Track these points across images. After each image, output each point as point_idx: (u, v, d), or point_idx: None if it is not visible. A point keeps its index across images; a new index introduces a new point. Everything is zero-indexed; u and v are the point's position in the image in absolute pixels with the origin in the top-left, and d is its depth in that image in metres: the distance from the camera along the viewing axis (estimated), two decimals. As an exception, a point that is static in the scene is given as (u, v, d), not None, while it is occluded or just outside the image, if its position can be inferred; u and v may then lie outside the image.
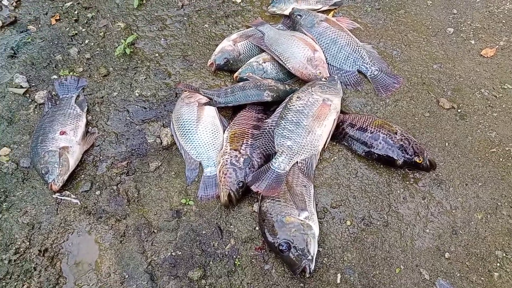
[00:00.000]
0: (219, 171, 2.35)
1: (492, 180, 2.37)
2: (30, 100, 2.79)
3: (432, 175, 2.40)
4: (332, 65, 2.80)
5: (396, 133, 2.39)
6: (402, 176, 2.40)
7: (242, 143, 2.43)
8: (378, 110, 2.64)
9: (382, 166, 2.43)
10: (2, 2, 3.23)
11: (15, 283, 2.19)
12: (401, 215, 2.29)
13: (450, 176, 2.40)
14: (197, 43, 3.02)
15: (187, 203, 2.37)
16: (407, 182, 2.38)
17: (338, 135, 2.51)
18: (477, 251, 2.17)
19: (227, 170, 2.32)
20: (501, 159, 2.43)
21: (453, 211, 2.29)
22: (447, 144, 2.50)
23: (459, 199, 2.33)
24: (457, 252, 2.18)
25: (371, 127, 2.43)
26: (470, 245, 2.19)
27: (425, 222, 2.27)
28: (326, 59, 2.80)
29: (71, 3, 3.24)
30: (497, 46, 2.86)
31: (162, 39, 3.04)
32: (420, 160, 2.32)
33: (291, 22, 3.00)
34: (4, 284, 2.19)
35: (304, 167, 2.36)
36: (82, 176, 2.50)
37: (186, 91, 2.66)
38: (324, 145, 2.43)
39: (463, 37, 2.94)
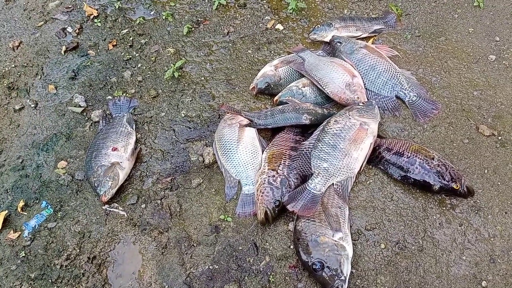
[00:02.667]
0: (257, 190, 2.45)
1: (534, 210, 2.32)
2: (86, 118, 3.04)
3: (470, 202, 2.38)
4: (371, 91, 2.87)
5: (433, 159, 2.41)
6: (439, 201, 2.40)
7: (280, 164, 2.52)
8: (416, 135, 2.67)
9: (418, 191, 2.44)
10: (67, 29, 3.56)
11: (65, 287, 2.37)
12: (436, 240, 2.29)
13: (488, 203, 2.37)
14: (240, 67, 3.19)
15: (225, 219, 2.49)
16: (444, 208, 2.38)
17: (374, 158, 2.56)
18: (516, 282, 2.13)
19: (265, 189, 2.42)
20: (543, 189, 2.38)
21: (492, 239, 2.26)
22: (486, 171, 2.48)
23: (498, 227, 2.29)
24: (495, 281, 2.14)
25: (408, 152, 2.46)
26: (509, 274, 2.15)
27: (461, 249, 2.25)
28: (365, 84, 2.87)
29: (127, 30, 3.52)
30: (542, 74, 2.82)
31: (208, 63, 3.24)
32: (457, 186, 2.32)
33: (331, 48, 3.11)
34: (55, 287, 2.37)
35: (339, 189, 2.42)
36: (130, 190, 2.69)
37: (228, 113, 2.81)
38: (360, 168, 2.48)
39: (506, 64, 2.92)
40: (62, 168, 2.83)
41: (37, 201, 2.70)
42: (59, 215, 2.62)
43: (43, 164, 2.86)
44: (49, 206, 2.67)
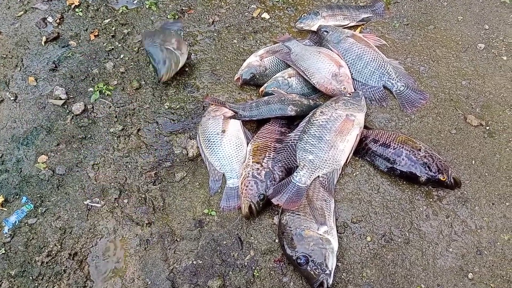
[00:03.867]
0: (241, 183, 2.40)
1: (521, 200, 2.30)
2: (67, 111, 2.96)
3: (457, 193, 2.35)
4: (358, 81, 2.82)
5: (419, 150, 2.37)
6: (426, 193, 2.37)
7: (265, 156, 2.47)
8: (403, 126, 2.63)
9: (405, 182, 2.41)
10: (47, 19, 3.46)
11: (46, 284, 2.32)
12: (423, 232, 2.26)
13: (476, 194, 2.34)
14: (225, 58, 3.12)
15: (209, 213, 2.44)
16: (431, 200, 2.35)
17: (361, 150, 2.51)
18: (502, 273, 2.11)
19: (249, 183, 2.37)
20: (531, 179, 2.35)
21: (478, 231, 2.24)
22: (473, 162, 2.45)
23: (485, 218, 2.27)
24: (481, 273, 2.12)
25: (394, 143, 2.42)
26: (495, 266, 2.13)
27: (448, 241, 2.22)
28: (352, 74, 2.82)
29: (109, 20, 3.43)
30: (530, 62, 2.78)
31: (192, 54, 3.16)
32: (444, 178, 2.29)
33: (318, 37, 3.05)
34: (36, 284, 2.32)
35: (325, 181, 2.37)
36: (112, 184, 2.62)
37: (213, 104, 2.74)
38: (347, 160, 2.44)
39: (495, 53, 2.88)
40: (42, 163, 2.76)
41: (17, 197, 2.63)
42: (39, 211, 2.56)
43: (23, 159, 2.79)
44: (30, 202, 2.60)
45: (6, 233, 2.48)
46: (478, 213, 2.29)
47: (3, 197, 2.62)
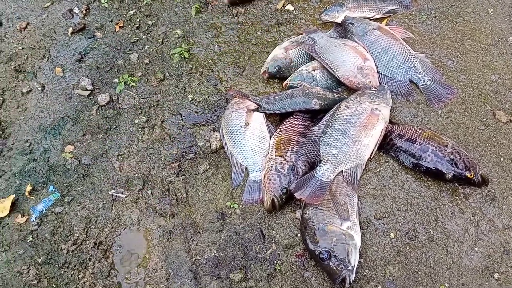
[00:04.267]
0: (264, 177, 2.40)
1: (551, 200, 2.23)
2: (93, 101, 3.01)
3: (484, 191, 2.30)
4: (383, 74, 2.77)
5: (446, 146, 2.33)
6: (451, 190, 2.33)
7: (288, 150, 2.47)
8: (429, 121, 2.58)
9: (430, 179, 2.37)
10: (74, 10, 3.50)
11: (72, 272, 2.38)
12: (448, 231, 2.22)
13: (504, 193, 2.29)
14: (248, 50, 3.11)
15: (232, 206, 2.45)
16: (457, 197, 2.31)
17: (385, 145, 2.48)
18: (530, 274, 2.06)
19: (272, 176, 2.37)
20: (562, 178, 2.28)
21: (506, 230, 2.19)
22: (502, 159, 2.39)
23: (513, 218, 2.22)
24: (508, 273, 2.08)
25: (420, 139, 2.38)
26: (522, 267, 2.08)
27: (474, 240, 2.18)
28: (377, 68, 2.77)
29: (134, 11, 3.45)
30: None
31: (216, 46, 3.16)
32: (471, 175, 2.24)
33: (343, 30, 3.00)
34: (62, 272, 2.39)
35: (348, 176, 2.35)
36: (136, 175, 2.66)
37: (236, 97, 2.74)
38: (371, 155, 2.41)
39: (527, 47, 2.79)
40: (69, 153, 2.82)
41: (45, 186, 2.70)
42: (66, 200, 2.62)
43: (50, 148, 2.85)
44: (56, 191, 2.67)
45: (33, 221, 2.56)
46: (506, 212, 2.24)
47: (31, 185, 2.69)
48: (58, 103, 3.05)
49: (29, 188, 2.67)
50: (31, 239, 2.48)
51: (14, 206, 2.61)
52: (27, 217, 2.57)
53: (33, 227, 2.52)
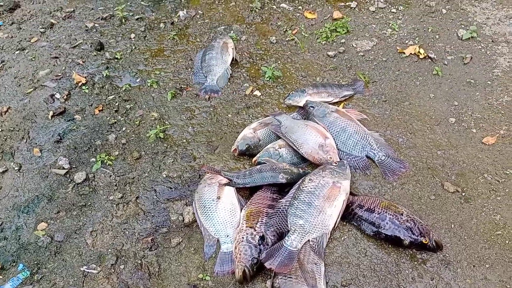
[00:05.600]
0: (235, 248, 2.51)
1: (499, 262, 2.42)
2: (69, 180, 3.11)
3: (440, 256, 2.48)
4: (343, 151, 3.05)
5: (402, 214, 2.54)
6: (410, 256, 2.50)
7: (258, 221, 2.61)
8: (386, 192, 2.81)
9: (390, 246, 2.54)
10: (55, 95, 3.73)
11: None
12: (410, 295, 2.35)
13: (457, 257, 2.47)
14: (220, 130, 3.37)
15: (204, 278, 2.51)
16: (415, 262, 2.47)
17: (348, 215, 2.67)
18: (488, 334, 2.17)
19: (243, 247, 2.48)
20: (507, 242, 2.50)
21: (462, 293, 2.34)
22: (452, 225, 2.61)
23: (468, 280, 2.38)
24: (468, 334, 2.18)
25: (378, 208, 2.59)
26: (480, 327, 2.20)
27: (434, 303, 2.31)
28: (337, 145, 3.06)
29: (113, 96, 3.71)
30: (498, 135, 3.06)
31: (190, 127, 3.41)
32: (426, 241, 2.43)
33: (305, 112, 3.33)
34: None
35: (315, 245, 2.49)
36: (109, 250, 2.70)
37: (208, 172, 2.93)
38: (335, 224, 2.58)
39: (465, 126, 3.17)
40: (42, 230, 2.85)
41: (14, 264, 2.69)
42: (35, 278, 2.61)
43: (23, 226, 2.88)
44: (26, 269, 2.65)
45: (0, 300, 2.51)
46: (460, 275, 2.41)
47: (0, 264, 2.67)
48: (34, 182, 3.14)
49: (-2, 266, 2.65)
50: (-4, 319, 2.42)
51: (-19, 286, 2.57)
52: (-6, 296, 2.52)
53: (0, 306, 2.47)
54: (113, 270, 2.62)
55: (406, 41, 3.89)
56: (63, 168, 3.18)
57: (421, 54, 3.72)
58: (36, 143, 3.40)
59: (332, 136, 3.08)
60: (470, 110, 3.28)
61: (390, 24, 4.08)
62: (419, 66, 3.67)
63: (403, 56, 3.76)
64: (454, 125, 3.19)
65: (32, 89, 3.82)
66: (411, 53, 3.76)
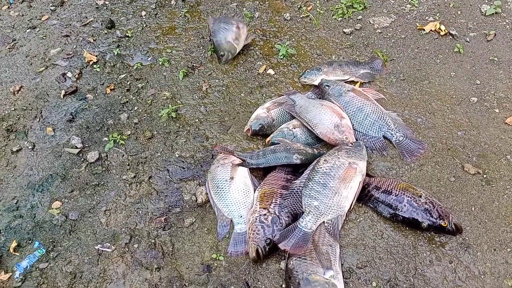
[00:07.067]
0: (249, 228, 2.48)
1: (521, 246, 2.36)
2: (82, 159, 3.10)
3: (459, 239, 2.42)
4: (359, 131, 2.97)
5: (420, 196, 2.47)
6: (428, 239, 2.44)
7: (271, 202, 2.57)
8: (403, 174, 2.74)
9: (407, 228, 2.48)
10: (67, 74, 3.70)
11: (55, 329, 2.33)
12: (427, 278, 2.30)
13: (477, 240, 2.41)
14: (233, 110, 3.30)
15: (217, 258, 2.50)
16: (434, 245, 2.41)
17: (364, 197, 2.61)
18: (508, 319, 2.13)
19: (256, 227, 2.46)
20: (529, 225, 2.43)
21: (482, 277, 2.28)
22: (473, 208, 2.54)
23: (488, 264, 2.32)
24: (487, 319, 2.14)
25: (396, 190, 2.52)
26: (500, 312, 2.15)
27: (452, 287, 2.26)
28: (353, 125, 2.98)
29: (124, 75, 3.67)
30: (522, 115, 2.95)
31: (202, 106, 3.35)
32: (445, 224, 2.37)
33: (320, 91, 3.24)
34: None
35: (330, 227, 2.45)
36: (123, 230, 2.70)
37: (221, 153, 2.88)
38: (350, 206, 2.53)
39: (487, 106, 3.05)
40: (56, 209, 2.86)
41: (30, 242, 2.71)
42: (51, 256, 2.62)
43: (38, 205, 2.89)
44: (42, 247, 2.67)
45: (17, 277, 2.53)
46: (480, 259, 2.35)
47: (16, 242, 2.69)
48: (48, 161, 3.13)
49: (14, 244, 2.67)
50: (13, 296, 2.45)
51: (-2, 263, 2.60)
52: (11, 274, 2.55)
53: (17, 283, 2.50)
54: (127, 249, 2.62)
55: (426, 17, 3.74)
56: (76, 147, 3.17)
57: (441, 30, 3.57)
58: (49, 122, 3.38)
59: (348, 116, 2.99)
60: (493, 89, 3.15)
61: (410, 0, 3.92)
62: (440, 43, 3.53)
63: (423, 33, 3.62)
64: (475, 104, 3.07)
65: (44, 68, 3.79)
66: (431, 30, 3.61)
